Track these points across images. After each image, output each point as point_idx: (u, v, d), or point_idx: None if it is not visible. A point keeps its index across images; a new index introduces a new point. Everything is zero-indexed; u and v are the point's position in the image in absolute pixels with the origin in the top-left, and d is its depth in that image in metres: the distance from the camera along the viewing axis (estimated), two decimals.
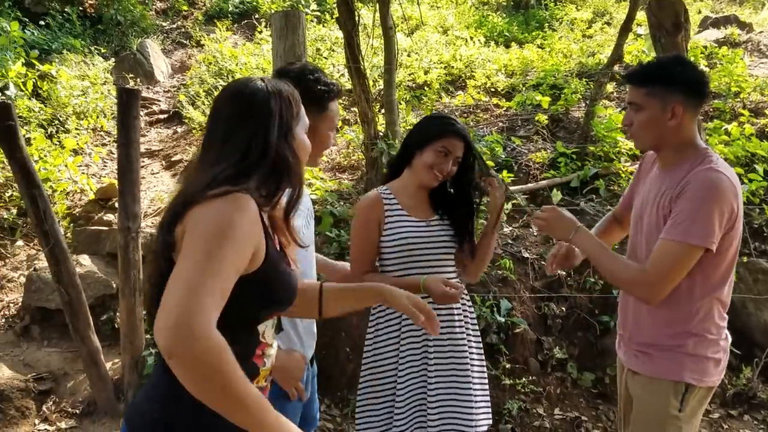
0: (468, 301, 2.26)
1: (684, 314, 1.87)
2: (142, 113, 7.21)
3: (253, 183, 1.28)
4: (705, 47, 7.29)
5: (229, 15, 9.52)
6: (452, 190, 2.25)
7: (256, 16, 9.31)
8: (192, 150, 6.17)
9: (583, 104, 6.11)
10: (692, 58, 6.82)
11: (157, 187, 5.53)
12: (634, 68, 1.98)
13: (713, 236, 1.74)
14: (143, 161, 5.89)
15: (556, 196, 4.83)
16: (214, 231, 1.17)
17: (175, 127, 6.92)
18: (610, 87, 6.56)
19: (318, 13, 9.16)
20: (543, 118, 5.84)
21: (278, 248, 1.39)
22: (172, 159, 6.11)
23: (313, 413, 2.08)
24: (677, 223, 1.77)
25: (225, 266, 1.15)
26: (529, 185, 5.08)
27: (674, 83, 1.84)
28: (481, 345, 2.28)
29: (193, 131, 6.52)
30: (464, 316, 2.22)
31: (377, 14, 5.07)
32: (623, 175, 4.96)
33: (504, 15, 9.48)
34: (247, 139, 1.30)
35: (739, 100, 6.10)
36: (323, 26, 8.71)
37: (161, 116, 7.19)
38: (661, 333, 1.91)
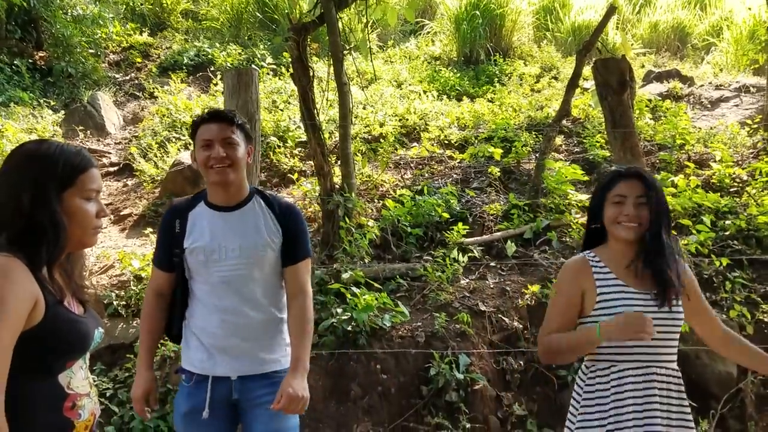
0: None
1: None
2: None
3: (3, 240, 1.35)
4: (650, 100, 7.61)
5: (184, 67, 9.48)
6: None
7: (212, 69, 9.31)
8: (142, 203, 6.01)
9: (534, 157, 6.24)
10: (637, 111, 7.11)
11: (105, 244, 5.33)
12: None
13: None
14: None
15: (511, 248, 4.87)
16: None
17: (125, 180, 6.76)
18: (558, 140, 6.75)
19: (274, 66, 9.23)
20: (495, 170, 5.94)
21: (61, 299, 1.42)
22: (121, 213, 5.93)
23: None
24: None
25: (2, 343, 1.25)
26: (485, 237, 5.12)
27: None
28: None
29: (144, 184, 6.37)
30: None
31: (332, 68, 5.13)
32: (574, 227, 5.04)
33: (455, 70, 9.73)
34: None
35: (684, 151, 6.31)
36: (279, 79, 8.76)
37: (111, 169, 7.02)
38: None
